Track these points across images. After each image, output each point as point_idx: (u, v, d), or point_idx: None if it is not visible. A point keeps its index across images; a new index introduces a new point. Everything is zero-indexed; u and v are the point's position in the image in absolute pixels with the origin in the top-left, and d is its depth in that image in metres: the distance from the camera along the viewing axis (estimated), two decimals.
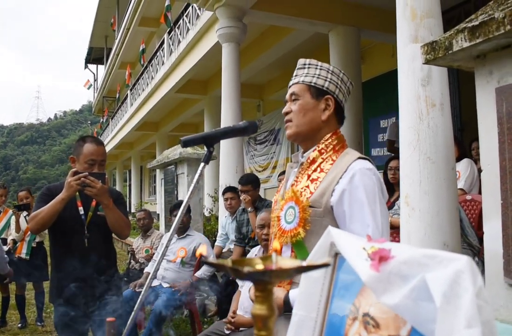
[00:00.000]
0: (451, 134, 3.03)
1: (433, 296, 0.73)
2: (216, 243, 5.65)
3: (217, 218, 7.85)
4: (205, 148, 1.63)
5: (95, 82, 30.39)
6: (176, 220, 1.58)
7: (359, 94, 6.95)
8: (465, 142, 5.55)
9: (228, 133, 1.71)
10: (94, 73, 30.46)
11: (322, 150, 1.67)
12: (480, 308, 0.71)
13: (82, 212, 2.58)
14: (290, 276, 0.58)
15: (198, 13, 8.68)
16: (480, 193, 3.62)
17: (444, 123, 2.99)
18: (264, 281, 0.57)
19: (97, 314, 2.47)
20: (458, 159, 4.23)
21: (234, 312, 3.35)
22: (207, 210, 8.76)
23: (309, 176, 1.65)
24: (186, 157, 6.53)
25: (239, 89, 6.83)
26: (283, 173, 6.01)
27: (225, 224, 5.56)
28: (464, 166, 4.34)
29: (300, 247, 1.53)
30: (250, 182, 4.75)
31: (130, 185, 26.22)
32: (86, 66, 29.37)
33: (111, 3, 20.83)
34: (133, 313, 1.57)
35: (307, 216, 1.53)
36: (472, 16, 2.25)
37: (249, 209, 4.76)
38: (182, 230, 4.77)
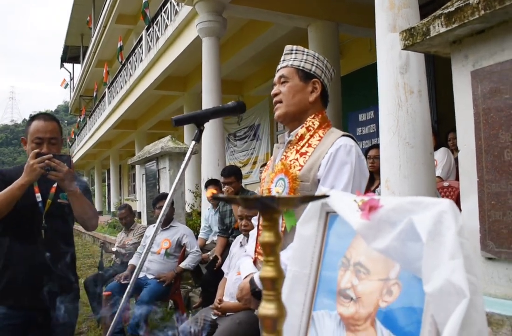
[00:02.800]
0: (429, 120, 3.14)
1: (420, 234, 0.80)
2: (199, 236, 5.70)
3: (198, 213, 7.89)
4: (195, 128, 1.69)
5: (72, 81, 30.03)
6: (163, 209, 1.62)
7: (338, 88, 7.06)
8: (441, 134, 5.70)
9: (218, 112, 1.78)
10: (70, 72, 30.12)
11: (310, 128, 1.78)
12: (462, 244, 0.78)
13: (39, 199, 2.27)
14: (295, 204, 0.64)
15: (176, 9, 8.68)
16: (457, 180, 3.75)
17: (422, 110, 3.10)
18: (271, 209, 0.63)
19: (47, 320, 2.21)
20: (435, 148, 4.35)
21: (221, 299, 3.40)
22: (188, 205, 8.77)
23: (297, 151, 1.75)
24: (167, 152, 6.55)
25: (219, 84, 6.88)
26: (264, 164, 6.07)
27: (208, 216, 5.61)
28: (441, 155, 4.47)
29: (289, 216, 1.61)
30: (233, 173, 4.81)
31: (109, 184, 26.01)
32: (62, 65, 28.99)
33: (87, 1, 20.60)
34: (120, 305, 1.60)
35: (296, 185, 1.63)
36: (448, 3, 2.34)
37: None
38: (166, 222, 4.81)
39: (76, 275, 2.40)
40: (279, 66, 1.87)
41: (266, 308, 0.65)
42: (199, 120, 1.72)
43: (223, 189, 4.92)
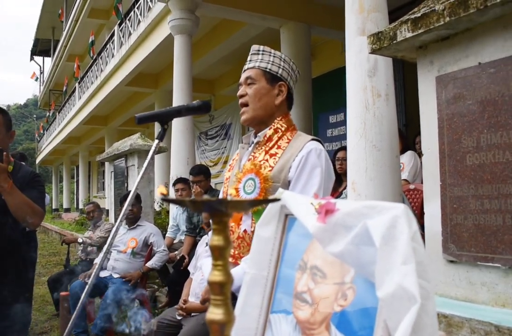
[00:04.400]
0: (395, 124, 3.18)
1: (373, 238, 0.80)
2: (167, 235, 5.64)
3: (167, 211, 7.82)
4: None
5: (41, 75, 29.42)
6: (124, 207, 1.60)
7: (309, 90, 7.10)
8: (409, 137, 5.78)
9: (182, 111, 1.75)
10: (40, 66, 29.49)
11: (278, 129, 1.79)
12: (415, 249, 0.78)
13: None
14: (244, 208, 0.64)
15: (149, 5, 8.59)
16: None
17: (389, 113, 3.13)
18: (220, 212, 0.62)
19: None
20: (402, 152, 4.41)
21: (186, 299, 3.37)
22: (157, 203, 8.69)
23: (266, 152, 1.75)
24: (137, 149, 6.47)
25: (191, 82, 6.83)
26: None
27: (176, 215, 5.56)
28: (407, 158, 4.53)
29: (259, 216, 1.60)
30: (202, 172, 4.78)
31: (77, 181, 25.57)
32: (32, 58, 28.37)
33: None
34: (79, 303, 1.57)
35: (268, 186, 1.63)
36: (415, 9, 2.37)
37: None
38: (133, 220, 4.74)
39: (27, 276, 2.31)
40: (245, 67, 1.87)
41: (214, 313, 0.64)
42: (162, 118, 1.71)
43: (192, 189, 4.89)
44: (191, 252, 4.58)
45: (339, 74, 7.51)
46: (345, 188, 4.16)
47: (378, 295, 0.77)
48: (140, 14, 9.21)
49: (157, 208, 8.45)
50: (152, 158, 1.69)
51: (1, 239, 2.17)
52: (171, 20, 6.55)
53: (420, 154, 5.28)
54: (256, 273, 1.12)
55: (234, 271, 1.69)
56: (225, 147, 12.16)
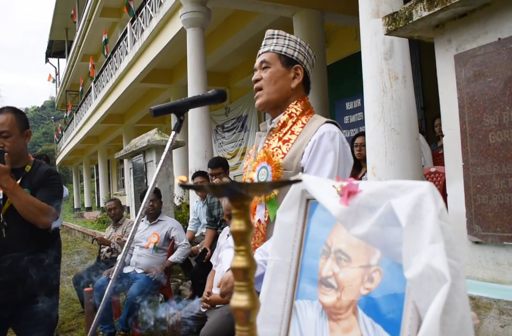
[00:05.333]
0: (414, 106, 3.12)
1: (399, 218, 0.77)
2: (188, 228, 5.66)
3: (187, 206, 7.85)
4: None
5: (57, 76, 29.70)
6: (143, 202, 1.59)
7: (324, 77, 7.03)
8: (428, 121, 5.70)
9: (197, 101, 1.73)
10: (55, 67, 29.75)
11: (292, 114, 1.73)
12: (442, 227, 0.75)
13: (0, 197, 2.20)
14: (266, 190, 0.61)
15: (160, 1, 8.56)
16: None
17: (407, 96, 3.07)
18: (241, 196, 0.60)
19: (18, 325, 2.16)
20: None
21: (209, 291, 3.38)
22: (177, 198, 8.73)
23: (280, 138, 1.70)
24: (154, 145, 6.48)
25: (205, 75, 6.81)
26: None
27: (196, 208, 5.57)
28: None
29: (272, 205, 1.58)
30: (220, 164, 4.77)
31: (97, 180, 25.84)
32: (47, 60, 28.62)
33: None
34: (103, 298, 1.57)
35: (279, 173, 1.58)
36: None
37: None
38: (154, 216, 4.76)
39: (51, 276, 2.30)
40: (260, 51, 1.83)
41: (238, 300, 0.62)
42: (178, 110, 1.69)
43: (211, 181, 4.89)
44: (213, 244, 4.59)
45: (354, 60, 7.42)
46: (364, 174, 4.11)
47: (406, 276, 0.75)
48: (152, 10, 9.20)
49: (177, 202, 8.48)
50: (170, 151, 1.67)
51: (23, 239, 2.17)
52: (182, 13, 6.52)
53: (440, 137, 5.22)
54: (279, 260, 1.10)
55: None
56: (242, 139, 12.14)
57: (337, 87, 8.13)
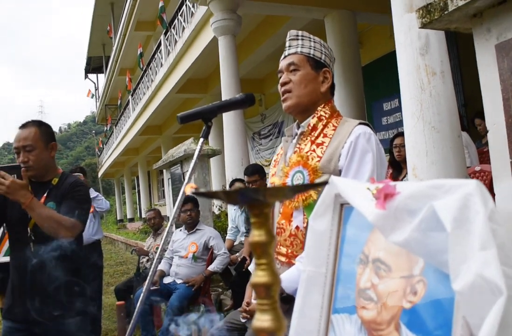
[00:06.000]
0: (455, 102, 2.98)
1: (443, 222, 0.68)
2: (227, 237, 5.62)
3: (227, 214, 7.82)
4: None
5: (96, 91, 30.46)
6: (174, 210, 1.54)
7: (359, 78, 6.90)
8: (469, 118, 5.49)
9: (225, 106, 1.69)
10: (94, 83, 30.54)
11: (321, 117, 1.69)
12: (494, 231, 0.66)
13: None
14: (285, 195, 0.54)
15: (192, 11, 8.64)
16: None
17: (446, 91, 2.93)
18: (259, 203, 0.53)
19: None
20: None
21: (248, 301, 3.30)
22: (216, 207, 8.72)
23: (312, 141, 1.65)
24: (191, 154, 6.48)
25: (239, 83, 6.79)
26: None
27: (235, 216, 5.53)
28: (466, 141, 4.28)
29: (311, 210, 1.50)
30: (256, 171, 4.71)
31: (139, 191, 26.26)
32: (86, 76, 29.44)
33: (106, 10, 20.84)
34: (136, 308, 1.52)
35: (317, 177, 1.53)
36: None
37: None
38: (192, 225, 4.73)
39: (87, 288, 2.22)
40: (285, 53, 1.78)
41: (260, 320, 0.54)
42: (205, 116, 1.65)
43: None
44: (252, 252, 4.52)
45: (389, 60, 7.25)
46: (405, 176, 3.97)
47: (454, 287, 0.65)
48: (184, 21, 9.29)
49: (216, 211, 8.47)
50: (198, 157, 1.62)
51: (61, 251, 2.12)
52: (213, 22, 6.53)
53: (484, 136, 5.02)
54: (313, 270, 1.02)
55: (290, 272, 1.58)
56: (279, 145, 12.08)
57: (374, 88, 7.97)
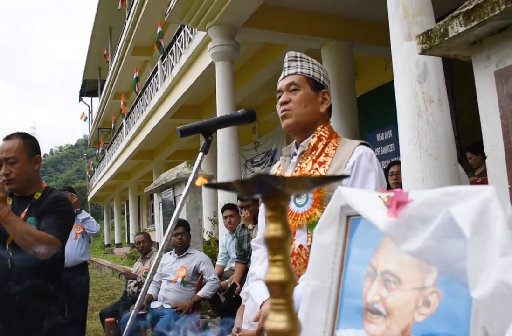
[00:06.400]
0: (451, 130, 2.99)
1: (461, 228, 0.65)
2: (217, 263, 5.53)
3: (217, 241, 7.74)
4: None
5: (90, 114, 30.52)
6: (166, 233, 1.50)
7: (354, 109, 6.96)
8: (462, 150, 5.53)
9: (225, 121, 1.68)
10: (88, 106, 30.62)
11: (321, 137, 1.70)
12: None
13: None
14: (305, 187, 0.51)
15: (190, 37, 8.75)
16: None
17: (443, 119, 2.96)
18: (276, 195, 0.51)
19: None
20: None
21: (238, 327, 3.22)
22: (206, 233, 8.62)
23: (314, 161, 1.64)
24: (184, 178, 6.45)
25: (234, 108, 6.82)
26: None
27: (226, 242, 5.45)
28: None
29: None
30: None
31: (128, 216, 26.00)
32: (80, 99, 29.53)
33: (104, 35, 21.09)
34: (124, 331, 1.46)
35: (322, 195, 1.52)
36: (466, 3, 2.23)
37: (249, 226, 4.68)
38: (182, 249, 4.65)
39: (66, 312, 2.17)
40: (285, 73, 1.80)
41: (275, 321, 0.51)
42: (205, 130, 1.64)
43: (241, 214, 4.79)
44: (242, 279, 4.44)
45: (384, 91, 7.36)
46: None
47: (473, 296, 0.62)
48: (182, 46, 9.39)
49: (206, 237, 8.37)
50: (197, 172, 1.59)
51: (29, 270, 2.03)
52: (211, 47, 6.60)
53: (476, 168, 5.05)
54: (317, 284, 0.98)
55: (294, 292, 1.54)
56: (273, 165, 12.07)
57: (368, 118, 8.04)
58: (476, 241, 0.63)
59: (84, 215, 4.95)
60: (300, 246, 1.54)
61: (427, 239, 0.71)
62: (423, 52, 2.37)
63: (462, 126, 6.66)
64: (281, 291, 0.51)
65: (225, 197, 6.33)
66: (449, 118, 2.99)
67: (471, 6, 2.07)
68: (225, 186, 0.54)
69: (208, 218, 9.13)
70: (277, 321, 0.51)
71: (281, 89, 1.77)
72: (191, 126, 1.64)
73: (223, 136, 6.73)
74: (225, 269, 5.42)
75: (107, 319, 1.63)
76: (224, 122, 1.66)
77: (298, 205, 1.59)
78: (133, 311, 1.48)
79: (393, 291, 0.81)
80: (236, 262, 4.82)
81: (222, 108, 6.77)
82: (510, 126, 2.05)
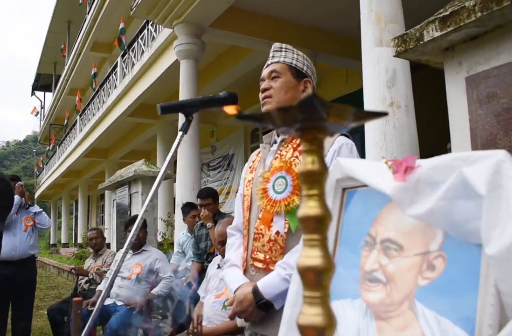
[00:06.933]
0: (416, 136, 3.08)
1: (475, 187, 0.67)
2: (171, 261, 5.43)
3: (169, 243, 7.64)
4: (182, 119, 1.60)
5: (42, 109, 29.57)
6: (132, 230, 1.45)
7: None
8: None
9: (207, 102, 1.65)
10: (41, 101, 29.66)
11: None
12: None
13: None
14: (348, 117, 0.50)
15: (153, 35, 8.65)
16: None
17: (410, 125, 3.04)
18: (315, 126, 0.50)
19: None
20: None
21: (197, 323, 3.17)
22: (160, 234, 8.48)
23: (295, 148, 1.64)
24: (141, 176, 6.34)
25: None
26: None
27: (183, 241, 5.37)
28: None
29: (294, 215, 1.48)
30: (210, 194, 4.63)
31: (76, 216, 25.23)
32: (33, 93, 28.58)
33: (62, 28, 20.54)
34: (84, 330, 1.42)
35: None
36: (441, 9, 2.30)
37: (208, 224, 4.63)
38: (138, 246, 4.54)
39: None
40: (268, 62, 1.80)
41: (309, 257, 0.50)
42: (187, 109, 1.61)
43: (201, 213, 4.74)
44: (198, 278, 4.39)
45: (344, 102, 7.47)
46: None
47: (487, 252, 0.63)
48: (144, 44, 9.27)
49: (159, 238, 8.23)
50: (175, 151, 1.56)
51: None
52: (177, 45, 6.55)
53: None
54: None
55: (270, 278, 1.53)
56: (228, 178, 12.03)
57: None
58: (491, 198, 0.65)
59: (36, 208, 4.78)
60: (277, 233, 1.53)
61: (438, 200, 0.72)
62: (398, 55, 2.42)
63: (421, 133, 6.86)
64: (316, 226, 0.50)
65: (183, 196, 6.26)
66: (414, 125, 3.08)
67: (448, 13, 2.14)
68: (261, 117, 0.52)
69: (161, 218, 8.98)
70: (312, 256, 0.49)
71: (263, 77, 1.77)
72: (172, 104, 1.61)
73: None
74: (179, 269, 5.34)
75: (75, 299, 1.55)
76: (206, 102, 1.63)
77: (277, 192, 1.58)
78: (96, 307, 1.43)
79: (394, 258, 0.81)
80: (192, 261, 4.75)
81: None
82: (478, 130, 2.13)
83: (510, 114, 2.02)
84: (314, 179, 0.50)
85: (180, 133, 1.58)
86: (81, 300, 1.44)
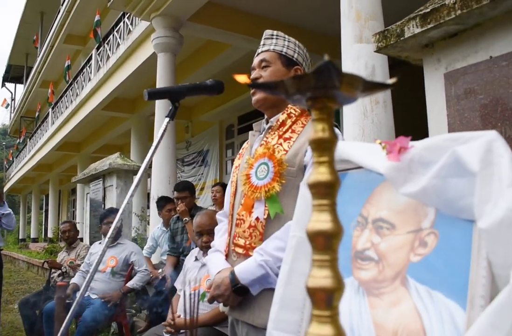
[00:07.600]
0: (393, 130, 3.13)
1: (468, 165, 0.70)
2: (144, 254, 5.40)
3: (143, 238, 7.58)
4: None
5: (13, 102, 28.90)
6: (115, 222, 1.45)
7: None
8: None
9: (194, 89, 1.66)
10: (11, 92, 28.98)
11: (291, 114, 1.70)
12: None
13: None
14: (359, 87, 0.52)
15: (130, 28, 8.55)
16: None
17: (387, 120, 3.09)
18: (327, 94, 0.52)
19: None
20: None
21: (174, 315, 3.17)
22: (133, 228, 8.40)
23: (280, 136, 1.65)
24: (116, 169, 6.28)
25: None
26: (216, 184, 5.94)
27: (158, 235, 5.34)
28: None
29: (273, 202, 1.49)
30: (187, 188, 4.62)
31: (46, 211, 24.76)
32: (3, 85, 27.92)
33: (35, 19, 20.09)
34: (63, 324, 1.41)
35: (282, 170, 1.51)
36: (422, 7, 2.36)
37: (185, 219, 4.61)
38: (113, 238, 4.50)
39: None
40: (259, 50, 1.80)
41: (319, 221, 0.52)
42: (173, 96, 1.62)
43: (177, 207, 4.72)
44: (174, 271, 4.38)
45: None
46: None
47: (479, 226, 0.66)
48: (120, 37, 9.15)
49: (133, 233, 8.15)
50: (161, 138, 1.56)
51: None
52: (155, 38, 6.49)
53: None
54: (302, 236, 0.99)
55: (247, 263, 1.55)
56: (202, 174, 11.98)
57: None
58: (484, 174, 0.68)
59: (5, 209, 4.73)
60: (257, 219, 1.54)
61: (431, 178, 0.75)
62: (378, 50, 2.47)
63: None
64: (326, 192, 0.52)
65: (158, 190, 6.22)
66: (392, 120, 3.14)
67: (428, 10, 2.19)
68: (275, 85, 0.54)
69: (135, 213, 8.89)
70: (322, 221, 0.52)
71: (254, 66, 1.78)
72: (159, 89, 1.63)
73: (160, 128, 6.63)
74: (153, 263, 5.32)
75: (59, 283, 1.54)
76: (193, 89, 1.64)
77: (259, 178, 1.59)
78: (76, 300, 1.42)
79: (386, 236, 0.84)
80: (167, 254, 4.73)
81: (160, 102, 6.66)
82: (455, 125, 2.19)
83: (487, 110, 2.08)
84: (324, 146, 0.52)
85: (166, 119, 1.59)
86: (65, 284, 1.42)
